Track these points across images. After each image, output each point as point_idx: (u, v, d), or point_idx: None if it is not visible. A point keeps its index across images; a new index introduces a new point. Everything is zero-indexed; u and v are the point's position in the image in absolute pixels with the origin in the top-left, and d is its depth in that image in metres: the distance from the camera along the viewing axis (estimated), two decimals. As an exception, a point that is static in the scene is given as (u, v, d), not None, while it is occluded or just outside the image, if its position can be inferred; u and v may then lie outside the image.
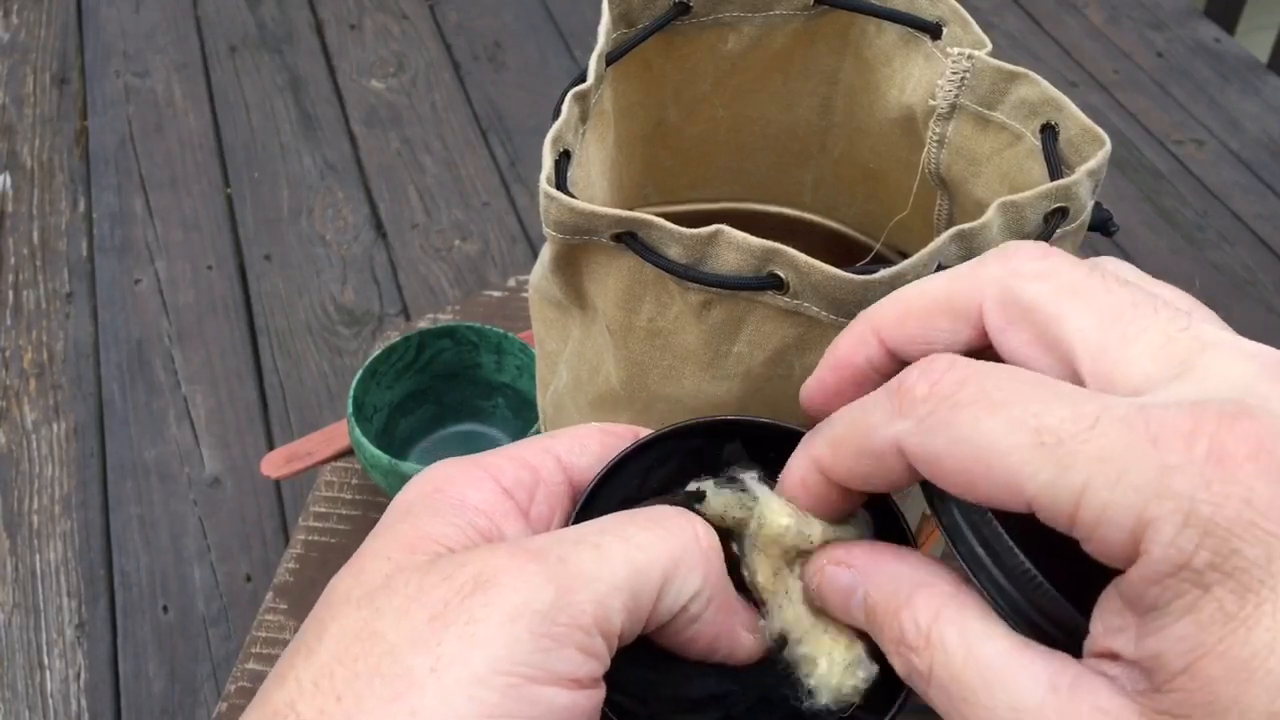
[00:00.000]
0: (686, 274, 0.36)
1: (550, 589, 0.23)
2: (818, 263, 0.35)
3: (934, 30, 0.44)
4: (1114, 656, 0.22)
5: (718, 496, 0.29)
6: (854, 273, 0.35)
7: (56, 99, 1.13)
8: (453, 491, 0.27)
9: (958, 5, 0.44)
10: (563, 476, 0.29)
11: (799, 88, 0.50)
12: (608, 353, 0.41)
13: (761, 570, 0.28)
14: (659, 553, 0.25)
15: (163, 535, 0.78)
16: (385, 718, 0.22)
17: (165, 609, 0.74)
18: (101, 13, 1.24)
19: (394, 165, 1.06)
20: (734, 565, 0.28)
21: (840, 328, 0.35)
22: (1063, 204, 0.37)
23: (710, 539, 0.27)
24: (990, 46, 0.43)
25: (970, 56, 0.43)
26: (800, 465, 0.27)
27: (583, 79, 0.41)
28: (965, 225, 0.36)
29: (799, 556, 0.28)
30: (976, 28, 0.43)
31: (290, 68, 1.17)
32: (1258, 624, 0.19)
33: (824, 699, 0.27)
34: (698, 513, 0.28)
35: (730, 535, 0.29)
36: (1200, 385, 0.21)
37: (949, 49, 0.43)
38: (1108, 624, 0.22)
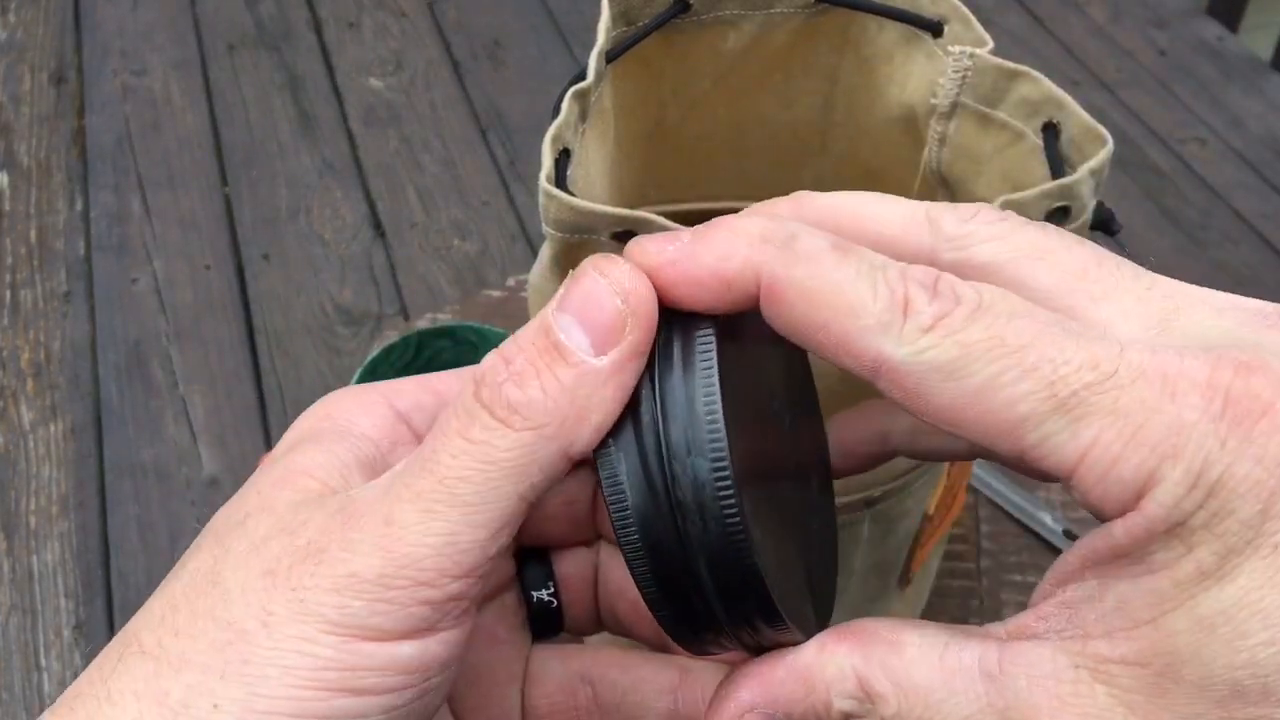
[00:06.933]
0: (686, 274, 0.35)
1: (377, 557, 0.22)
2: (818, 262, 0.34)
3: (935, 28, 0.44)
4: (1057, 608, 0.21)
5: None
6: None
7: (54, 98, 1.13)
8: (341, 418, 0.26)
9: (959, 3, 0.44)
10: None
11: (799, 86, 0.50)
12: (607, 353, 0.40)
13: None
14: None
15: (161, 536, 0.77)
16: (218, 662, 0.22)
17: (163, 610, 0.74)
18: (99, 11, 1.23)
19: (393, 164, 1.05)
20: None
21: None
22: (1065, 203, 0.37)
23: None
24: (991, 44, 0.43)
25: (971, 55, 0.42)
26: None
27: (582, 77, 0.40)
28: (967, 224, 0.35)
29: None
30: (978, 26, 0.43)
31: (288, 66, 1.17)
32: (1232, 581, 0.19)
33: None
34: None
35: None
36: (1187, 338, 0.21)
37: (950, 47, 0.43)
38: (1061, 574, 0.21)
